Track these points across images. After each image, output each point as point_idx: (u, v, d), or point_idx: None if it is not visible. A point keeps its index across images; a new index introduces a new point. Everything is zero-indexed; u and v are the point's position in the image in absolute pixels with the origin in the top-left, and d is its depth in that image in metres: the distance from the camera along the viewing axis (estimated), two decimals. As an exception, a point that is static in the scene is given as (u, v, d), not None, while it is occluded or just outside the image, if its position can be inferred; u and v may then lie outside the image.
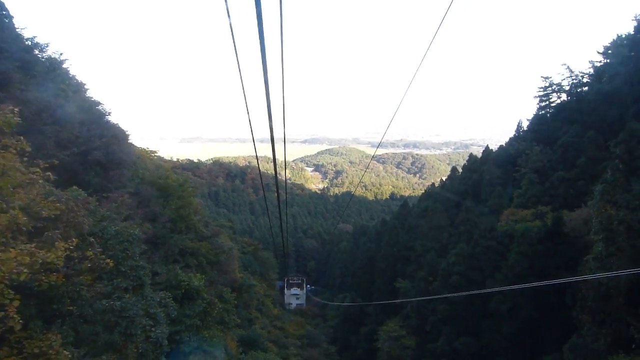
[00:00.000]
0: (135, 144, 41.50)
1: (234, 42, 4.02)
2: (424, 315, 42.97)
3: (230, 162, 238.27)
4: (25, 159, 7.93)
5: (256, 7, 3.37)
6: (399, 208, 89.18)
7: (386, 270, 61.64)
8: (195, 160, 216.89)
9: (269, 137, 5.24)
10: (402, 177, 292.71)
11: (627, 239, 24.94)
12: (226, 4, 3.54)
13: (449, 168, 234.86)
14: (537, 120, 61.13)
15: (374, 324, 54.65)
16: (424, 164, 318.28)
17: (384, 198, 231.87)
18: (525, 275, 33.72)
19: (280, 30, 4.06)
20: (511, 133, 70.59)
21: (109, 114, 27.32)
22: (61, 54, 25.46)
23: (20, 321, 6.11)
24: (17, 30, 22.59)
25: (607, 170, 28.11)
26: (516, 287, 29.73)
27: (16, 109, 7.96)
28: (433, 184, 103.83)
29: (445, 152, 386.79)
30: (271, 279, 78.56)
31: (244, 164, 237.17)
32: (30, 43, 22.94)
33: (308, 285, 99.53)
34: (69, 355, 6.58)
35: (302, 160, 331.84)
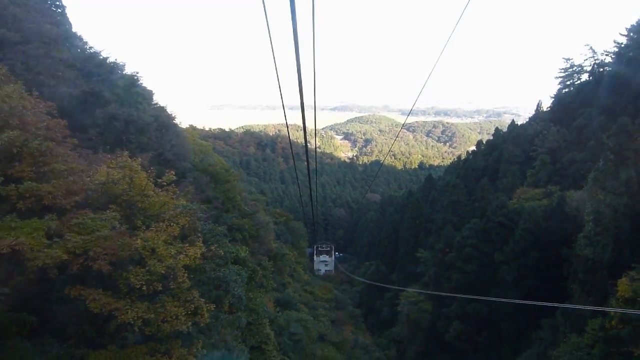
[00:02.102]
0: (180, 125, 46.33)
1: (264, 8, 4.09)
2: (440, 283, 47.33)
3: (260, 131, 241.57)
4: (176, 196, 12.83)
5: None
6: (423, 181, 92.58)
7: (409, 241, 66.11)
8: (227, 130, 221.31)
9: (299, 104, 5.30)
10: (432, 146, 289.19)
11: (612, 220, 28.74)
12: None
13: (480, 137, 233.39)
14: (557, 101, 63.09)
15: (397, 290, 59.29)
16: (455, 132, 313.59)
17: (412, 167, 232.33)
18: (529, 249, 37.81)
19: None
20: (544, 101, 72.16)
21: (175, 119, 32.40)
22: (137, 73, 30.64)
23: (190, 283, 11.14)
24: (102, 56, 27.62)
25: (599, 160, 31.53)
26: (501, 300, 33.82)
27: (172, 172, 12.94)
28: (459, 157, 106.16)
29: (476, 121, 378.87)
30: (301, 247, 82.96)
31: (274, 133, 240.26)
32: (111, 63, 27.79)
33: (336, 253, 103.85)
34: (203, 300, 11.44)
35: (331, 128, 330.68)
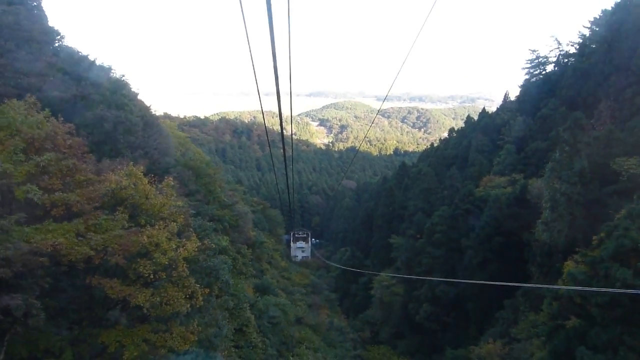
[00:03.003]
0: (155, 113, 47.16)
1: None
2: (412, 267, 49.55)
3: (235, 118, 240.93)
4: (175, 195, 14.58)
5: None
6: (397, 169, 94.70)
7: (383, 227, 68.28)
8: (202, 117, 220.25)
9: (274, 90, 5.17)
10: (407, 132, 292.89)
11: (567, 207, 31.08)
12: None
13: (454, 123, 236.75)
14: (524, 91, 65.60)
15: (371, 274, 61.37)
16: (429, 118, 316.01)
17: (388, 153, 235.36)
18: (493, 235, 40.07)
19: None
20: (515, 91, 74.38)
21: (157, 118, 33.70)
22: (123, 75, 31.89)
23: (188, 272, 13.05)
24: (92, 59, 28.76)
25: (556, 151, 33.79)
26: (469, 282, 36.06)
27: (172, 178, 14.61)
28: (432, 144, 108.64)
29: (451, 106, 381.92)
30: (278, 235, 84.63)
31: (249, 119, 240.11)
32: (99, 66, 28.89)
33: (313, 239, 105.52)
34: (198, 286, 13.36)
35: (307, 114, 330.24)
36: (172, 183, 15.14)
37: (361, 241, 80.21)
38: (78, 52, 28.96)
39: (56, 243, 10.17)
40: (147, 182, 14.08)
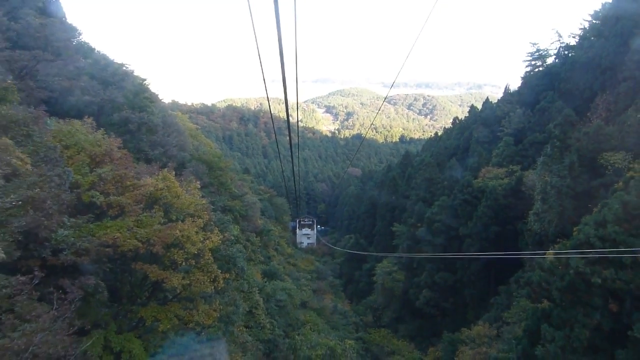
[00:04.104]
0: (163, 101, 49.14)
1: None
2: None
3: (242, 105, 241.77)
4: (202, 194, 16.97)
5: None
6: (401, 158, 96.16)
7: (386, 216, 70.33)
8: (209, 105, 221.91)
9: (280, 77, 5.07)
10: (413, 119, 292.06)
11: (556, 199, 32.91)
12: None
13: (460, 110, 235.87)
14: (524, 83, 66.73)
15: (374, 261, 63.43)
16: (435, 105, 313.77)
17: (394, 141, 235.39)
18: (489, 224, 41.97)
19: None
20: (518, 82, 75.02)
21: (174, 116, 36.15)
22: (145, 80, 34.20)
23: (212, 259, 15.41)
24: (116, 62, 31.02)
25: (547, 146, 35.57)
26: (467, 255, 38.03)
27: (198, 182, 16.83)
28: (436, 133, 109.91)
29: (457, 93, 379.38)
30: (285, 222, 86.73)
31: (255, 106, 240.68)
32: (123, 70, 31.12)
33: (318, 226, 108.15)
34: (220, 271, 15.73)
35: (313, 101, 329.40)
36: (199, 185, 17.48)
37: (365, 229, 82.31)
38: (104, 55, 31.16)
39: (115, 237, 12.72)
40: (177, 184, 16.42)
